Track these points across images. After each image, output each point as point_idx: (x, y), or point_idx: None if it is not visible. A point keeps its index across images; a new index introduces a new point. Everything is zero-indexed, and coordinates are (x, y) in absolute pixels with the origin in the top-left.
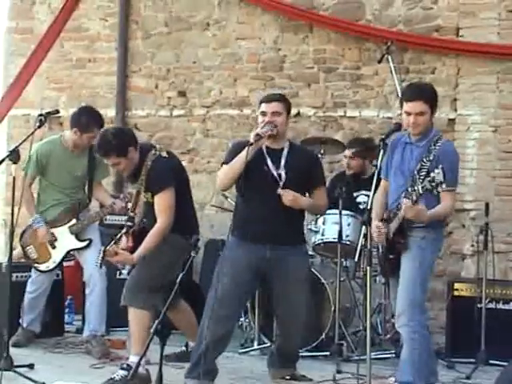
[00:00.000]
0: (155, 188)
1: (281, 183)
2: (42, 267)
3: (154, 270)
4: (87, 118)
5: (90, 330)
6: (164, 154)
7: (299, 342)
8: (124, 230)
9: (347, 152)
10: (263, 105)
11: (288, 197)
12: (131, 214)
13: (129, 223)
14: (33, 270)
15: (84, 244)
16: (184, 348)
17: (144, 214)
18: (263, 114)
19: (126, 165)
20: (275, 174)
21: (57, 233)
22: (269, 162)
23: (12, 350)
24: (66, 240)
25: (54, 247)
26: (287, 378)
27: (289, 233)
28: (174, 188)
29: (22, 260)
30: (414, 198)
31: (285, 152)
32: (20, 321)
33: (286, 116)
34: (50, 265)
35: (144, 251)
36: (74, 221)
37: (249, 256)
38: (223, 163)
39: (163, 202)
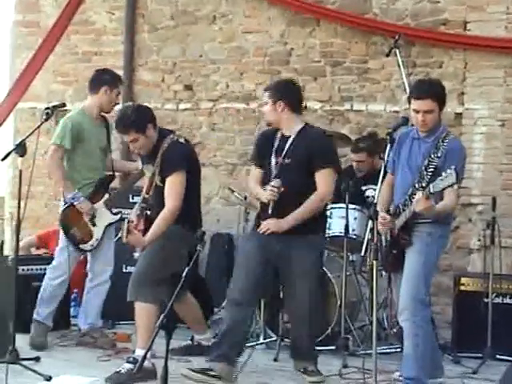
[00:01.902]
0: (167, 170)
1: (273, 173)
2: (87, 246)
3: (156, 263)
4: (110, 74)
5: (89, 323)
6: (182, 140)
7: (307, 333)
8: (138, 212)
9: (354, 156)
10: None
11: (270, 225)
12: (145, 196)
13: (143, 205)
14: (57, 256)
15: (118, 217)
16: (190, 341)
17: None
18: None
19: (143, 142)
20: (273, 163)
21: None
22: (273, 151)
23: (18, 343)
24: (103, 216)
25: (94, 225)
26: (301, 370)
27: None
28: (185, 173)
29: (33, 249)
30: (425, 195)
31: (290, 139)
32: (35, 316)
33: (272, 104)
34: (94, 243)
35: (153, 235)
36: (106, 195)
37: (259, 249)
38: (251, 160)
39: (173, 185)
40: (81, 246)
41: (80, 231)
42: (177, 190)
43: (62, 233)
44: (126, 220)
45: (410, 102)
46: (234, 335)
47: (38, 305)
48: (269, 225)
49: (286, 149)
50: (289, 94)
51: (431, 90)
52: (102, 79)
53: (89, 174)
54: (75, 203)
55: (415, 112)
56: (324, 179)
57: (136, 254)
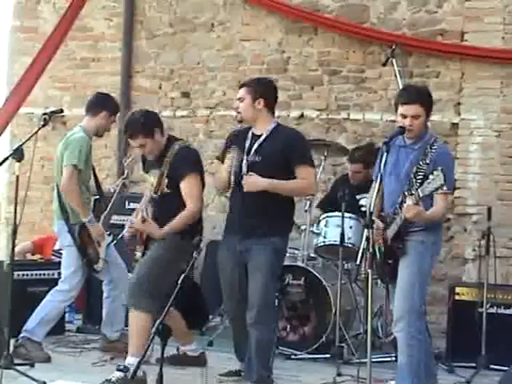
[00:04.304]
0: (182, 172)
1: (244, 170)
2: (99, 266)
3: (155, 273)
4: (112, 100)
5: (118, 330)
6: (192, 146)
7: (255, 340)
8: (148, 208)
9: (350, 167)
10: None
11: (248, 179)
12: (154, 196)
13: (149, 204)
14: (68, 280)
15: (111, 237)
16: (176, 352)
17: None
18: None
19: (151, 147)
20: (245, 161)
21: None
22: (245, 150)
23: (12, 349)
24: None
25: (99, 245)
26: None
27: (257, 225)
28: (199, 176)
29: (28, 254)
30: (415, 200)
31: (262, 137)
32: (30, 336)
33: (250, 101)
34: (103, 262)
35: (170, 229)
36: (103, 215)
37: (229, 254)
38: (217, 157)
39: (192, 187)
40: (95, 267)
41: (93, 251)
42: (196, 191)
43: (72, 256)
44: (131, 219)
45: (396, 109)
46: (243, 339)
47: (37, 325)
48: (247, 184)
49: (255, 147)
50: (269, 92)
51: (419, 96)
52: (104, 103)
53: (85, 195)
54: (90, 226)
55: (402, 117)
56: (306, 174)
57: (137, 254)
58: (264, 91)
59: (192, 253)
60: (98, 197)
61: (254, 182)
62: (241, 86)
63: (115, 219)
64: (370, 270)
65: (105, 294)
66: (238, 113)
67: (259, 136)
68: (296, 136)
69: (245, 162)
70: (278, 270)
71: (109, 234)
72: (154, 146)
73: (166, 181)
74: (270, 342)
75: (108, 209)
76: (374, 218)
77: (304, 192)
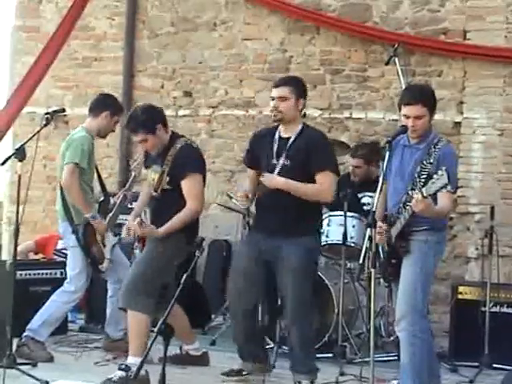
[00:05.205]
0: (184, 171)
1: (275, 172)
2: (104, 267)
3: (149, 272)
4: (114, 100)
5: (122, 329)
6: (194, 145)
7: (297, 337)
8: (147, 209)
9: (352, 161)
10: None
11: (267, 176)
12: (154, 194)
13: (150, 203)
14: (73, 282)
15: (117, 238)
16: (179, 351)
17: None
18: (272, 98)
19: (153, 143)
20: (274, 163)
21: None
22: (274, 153)
23: (15, 348)
24: (109, 237)
25: (104, 245)
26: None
27: (283, 224)
28: (202, 176)
29: (30, 254)
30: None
31: (290, 140)
32: (33, 335)
33: (295, 100)
34: (108, 263)
35: (169, 229)
36: (108, 216)
37: (251, 248)
38: (244, 162)
39: (193, 186)
40: (100, 267)
41: (98, 251)
42: (197, 191)
43: (77, 257)
44: (129, 220)
45: (400, 109)
46: (250, 337)
47: (41, 325)
48: (267, 177)
49: (286, 150)
50: (306, 93)
51: (421, 96)
52: (106, 104)
53: (89, 195)
54: (93, 222)
55: (405, 118)
56: (323, 179)
57: (136, 251)
58: (304, 92)
59: (192, 251)
60: (102, 198)
61: (271, 178)
62: (279, 85)
63: (119, 218)
64: (372, 270)
65: (109, 293)
66: (279, 112)
67: (287, 139)
68: (318, 139)
69: (276, 166)
70: (312, 269)
71: (115, 235)
72: (156, 142)
73: (168, 179)
74: (312, 335)
75: (109, 218)
76: (376, 219)
77: (318, 197)
